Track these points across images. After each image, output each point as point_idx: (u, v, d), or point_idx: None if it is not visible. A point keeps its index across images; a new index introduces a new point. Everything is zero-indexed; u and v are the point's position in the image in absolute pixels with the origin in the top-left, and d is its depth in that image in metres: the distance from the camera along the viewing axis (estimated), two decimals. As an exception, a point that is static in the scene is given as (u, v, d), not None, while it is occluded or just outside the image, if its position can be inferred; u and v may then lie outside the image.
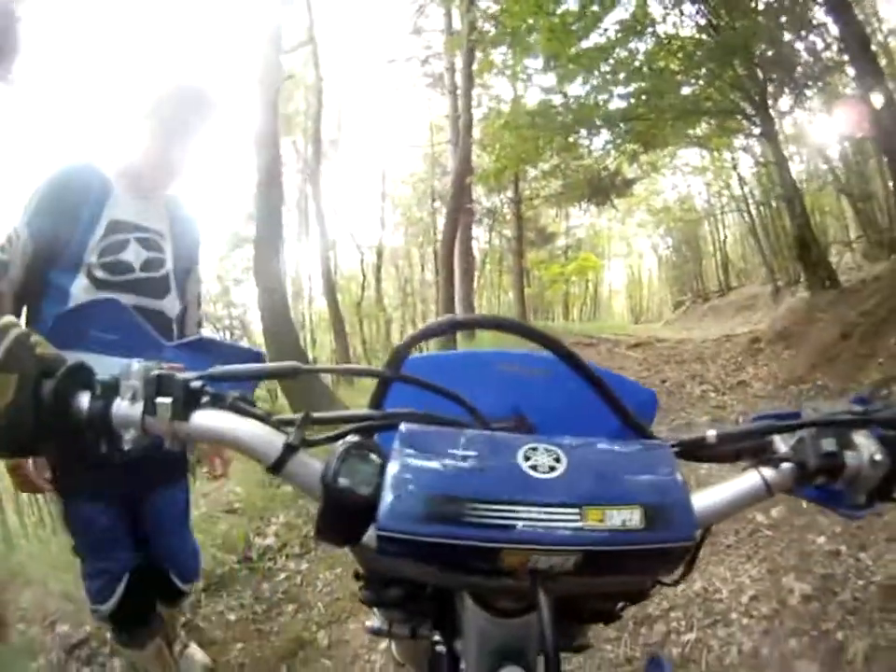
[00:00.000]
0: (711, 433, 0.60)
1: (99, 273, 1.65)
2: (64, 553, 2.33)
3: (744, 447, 0.62)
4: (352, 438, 0.53)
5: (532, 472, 0.49)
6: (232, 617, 2.92)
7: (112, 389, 0.55)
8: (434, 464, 0.49)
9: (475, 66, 11.29)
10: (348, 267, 24.47)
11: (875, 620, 2.10)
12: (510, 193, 17.02)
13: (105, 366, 0.57)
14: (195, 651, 2.45)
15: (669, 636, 2.36)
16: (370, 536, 0.49)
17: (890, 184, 7.45)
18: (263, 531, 3.59)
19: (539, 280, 20.68)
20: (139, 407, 0.54)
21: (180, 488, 1.98)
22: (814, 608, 2.26)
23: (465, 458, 0.50)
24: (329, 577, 3.15)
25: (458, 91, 12.23)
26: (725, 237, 21.09)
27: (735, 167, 16.47)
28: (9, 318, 0.55)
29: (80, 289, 1.62)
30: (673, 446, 0.59)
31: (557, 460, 0.50)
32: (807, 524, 2.75)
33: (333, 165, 21.75)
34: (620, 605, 0.69)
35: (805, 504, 2.52)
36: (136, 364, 0.55)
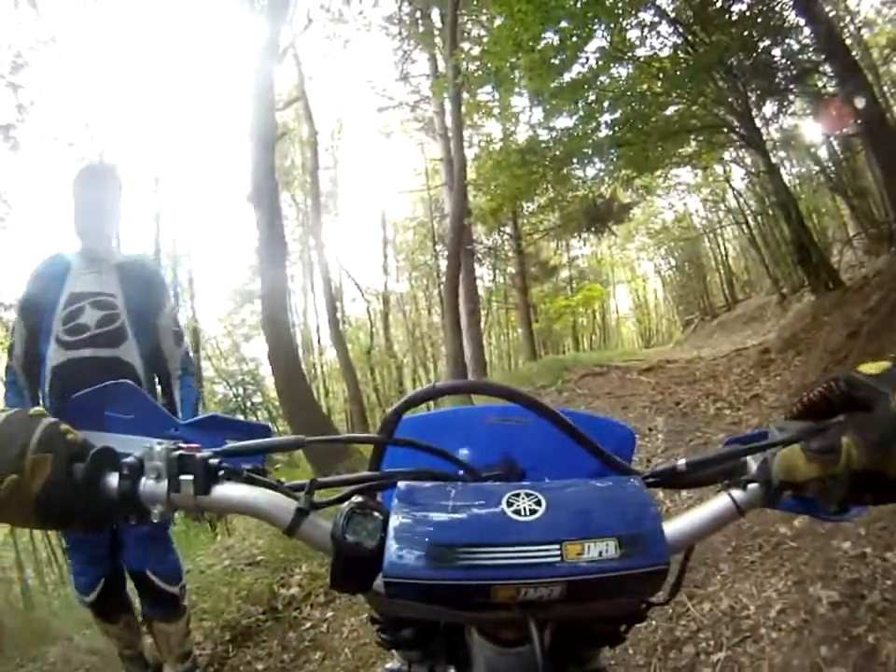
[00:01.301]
0: (681, 462, 0.65)
1: (64, 337, 2.19)
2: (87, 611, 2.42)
3: (716, 471, 0.65)
4: (356, 498, 0.59)
5: (515, 517, 0.54)
6: (260, 666, 2.93)
7: (138, 470, 0.59)
8: (429, 516, 0.56)
9: (463, 108, 11.48)
10: (356, 316, 24.64)
11: (906, 619, 2.05)
12: (509, 230, 17.17)
13: (124, 444, 0.62)
14: None
15: (699, 657, 2.32)
16: (378, 583, 0.54)
17: (882, 176, 7.43)
18: (287, 581, 3.57)
19: (545, 314, 20.71)
20: (164, 485, 0.59)
21: None
22: (843, 614, 2.22)
23: (455, 509, 0.56)
24: (354, 623, 3.13)
25: (449, 134, 12.41)
26: (726, 251, 21.14)
27: (727, 180, 16.56)
28: (39, 409, 0.60)
29: (51, 352, 2.19)
30: (646, 478, 0.64)
31: (538, 503, 0.56)
32: (831, 530, 2.69)
33: (333, 216, 22.10)
34: (622, 627, 0.72)
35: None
36: (158, 446, 0.60)
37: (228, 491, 0.60)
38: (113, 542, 2.25)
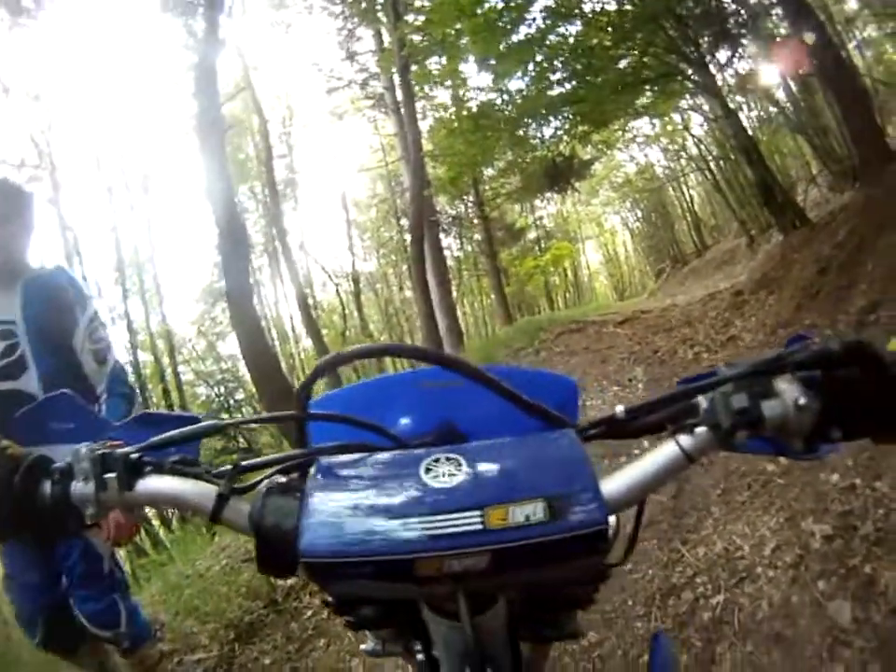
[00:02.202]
0: (620, 409, 0.60)
1: None
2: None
3: (662, 417, 0.60)
4: (274, 479, 0.58)
5: (433, 483, 0.52)
6: (267, 661, 2.92)
7: (68, 474, 0.61)
8: (345, 491, 0.53)
9: (412, 80, 11.32)
10: (328, 300, 24.48)
11: (901, 547, 2.06)
12: (472, 198, 17.08)
13: (64, 454, 0.63)
14: None
15: (698, 601, 2.34)
16: None
17: (840, 114, 7.48)
18: (285, 574, 3.55)
19: (516, 276, 20.72)
20: (92, 485, 0.60)
21: (71, 545, 2.13)
22: (837, 546, 2.23)
23: (372, 481, 0.54)
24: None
25: (401, 108, 12.25)
26: (692, 198, 21.28)
27: (686, 128, 16.64)
28: None
29: None
30: (582, 430, 0.60)
31: (458, 467, 0.53)
32: (819, 464, 2.69)
33: (293, 203, 21.84)
34: (589, 589, 0.70)
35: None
36: (84, 448, 0.61)
37: (151, 484, 0.61)
38: (52, 573, 2.16)
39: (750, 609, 2.19)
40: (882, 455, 2.52)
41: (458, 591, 0.51)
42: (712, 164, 16.29)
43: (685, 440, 0.56)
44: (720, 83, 9.20)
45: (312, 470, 0.57)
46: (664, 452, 0.56)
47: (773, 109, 13.10)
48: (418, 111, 12.58)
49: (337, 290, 21.83)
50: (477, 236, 19.48)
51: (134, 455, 0.61)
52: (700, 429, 0.55)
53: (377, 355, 0.66)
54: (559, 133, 10.47)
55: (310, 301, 17.74)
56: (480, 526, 0.48)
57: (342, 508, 0.51)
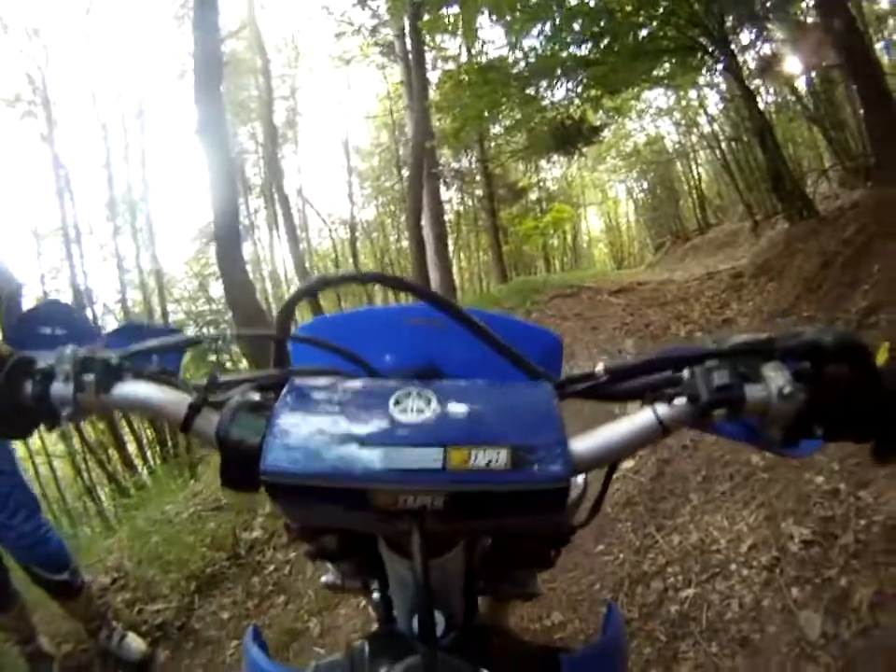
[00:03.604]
0: (600, 367, 0.59)
1: None
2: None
3: (641, 384, 0.58)
4: (247, 395, 0.57)
5: (400, 416, 0.52)
6: (226, 615, 2.92)
7: (49, 375, 0.61)
8: (313, 413, 0.54)
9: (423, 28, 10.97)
10: (323, 246, 24.24)
11: (879, 563, 2.00)
12: (476, 153, 16.80)
13: (51, 358, 0.63)
14: (132, 640, 2.65)
15: (667, 593, 2.29)
16: None
17: (861, 110, 7.33)
18: (250, 524, 3.51)
19: (516, 236, 20.50)
20: (71, 386, 0.60)
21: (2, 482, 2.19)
22: (815, 553, 2.17)
23: (341, 406, 0.54)
24: (317, 563, 3.09)
25: (409, 56, 11.90)
26: (699, 176, 20.99)
27: (702, 105, 16.37)
28: None
29: None
30: (560, 385, 0.59)
31: (428, 403, 0.53)
32: (805, 462, 2.62)
33: (293, 146, 21.42)
34: (551, 551, 0.71)
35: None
36: (68, 350, 0.62)
37: (128, 389, 0.61)
38: None
39: (720, 607, 2.14)
40: (870, 461, 2.45)
41: (413, 528, 0.50)
42: (723, 144, 16.04)
43: (662, 409, 0.54)
44: (740, 63, 8.90)
45: (284, 390, 0.57)
46: (639, 418, 0.55)
47: (791, 97, 12.79)
48: (427, 62, 12.23)
49: (330, 235, 21.59)
50: (479, 192, 19.24)
51: (115, 361, 0.62)
52: (679, 400, 0.54)
53: (364, 281, 0.64)
54: (570, 95, 10.23)
55: (303, 247, 17.51)
56: (439, 465, 0.48)
57: (307, 430, 0.52)
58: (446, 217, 14.80)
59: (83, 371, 0.61)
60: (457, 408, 0.53)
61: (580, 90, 9.91)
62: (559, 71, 9.03)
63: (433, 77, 12.95)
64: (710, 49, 8.12)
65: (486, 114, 10.15)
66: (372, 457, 0.48)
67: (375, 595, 0.79)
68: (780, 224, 9.68)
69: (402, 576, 0.63)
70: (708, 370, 0.52)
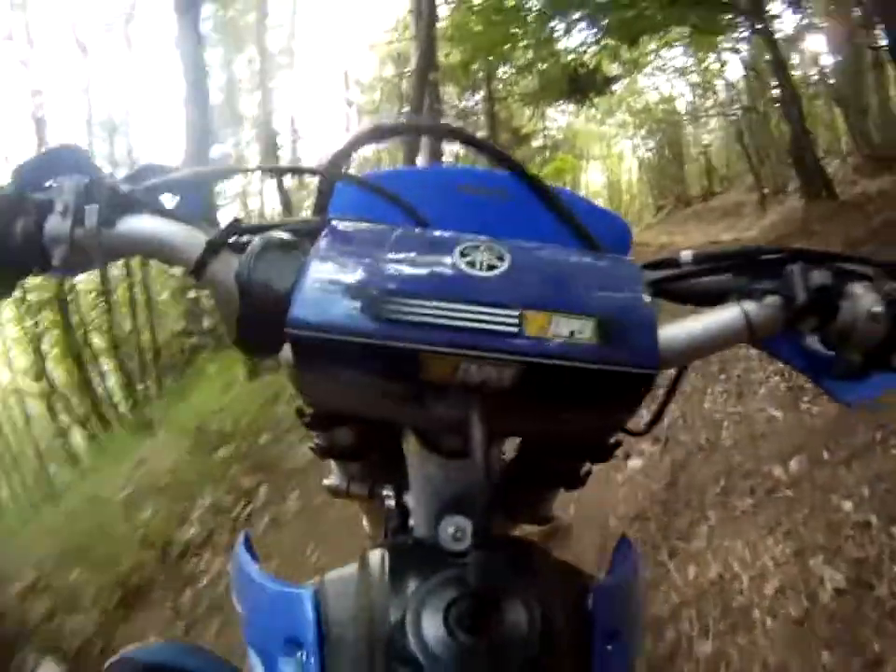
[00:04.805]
0: (686, 254, 0.52)
1: None
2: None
3: (727, 283, 0.51)
4: (276, 234, 0.48)
5: (467, 269, 0.43)
6: (151, 639, 2.53)
7: (46, 208, 0.50)
8: (355, 258, 0.45)
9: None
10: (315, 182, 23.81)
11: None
12: (483, 92, 16.18)
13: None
14: (49, 668, 2.48)
15: (680, 644, 1.96)
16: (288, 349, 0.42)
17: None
18: (187, 517, 3.11)
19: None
20: (69, 220, 0.49)
21: None
22: (848, 606, 1.85)
23: (392, 252, 0.45)
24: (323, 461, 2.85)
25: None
26: (709, 142, 20.69)
27: (722, 69, 16.20)
28: None
29: None
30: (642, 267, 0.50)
31: (500, 259, 0.44)
32: (829, 480, 2.35)
33: (289, 72, 20.60)
34: (583, 468, 0.64)
35: (824, 454, 2.43)
36: (70, 179, 0.51)
37: (135, 223, 0.50)
38: None
39: (739, 666, 1.83)
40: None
41: (473, 409, 0.41)
42: (739, 113, 15.72)
43: (751, 307, 0.48)
44: (772, 31, 8.54)
45: (323, 233, 0.47)
46: (726, 314, 0.49)
47: (815, 75, 12.65)
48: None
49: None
50: (482, 133, 18.63)
51: (124, 189, 0.51)
52: (771, 299, 0.48)
53: (425, 133, 0.51)
54: (589, 40, 9.69)
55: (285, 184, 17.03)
56: (515, 329, 0.40)
57: (350, 277, 0.42)
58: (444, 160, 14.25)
59: (86, 203, 0.49)
60: (537, 268, 0.45)
61: (598, 37, 9.42)
62: (578, 14, 8.50)
63: (443, 10, 12.20)
64: (745, 9, 7.77)
65: (498, 49, 9.64)
66: (430, 314, 0.40)
67: (389, 503, 0.69)
68: (792, 201, 9.50)
69: (430, 476, 0.54)
70: (806, 269, 0.47)
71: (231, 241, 0.49)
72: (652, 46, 11.95)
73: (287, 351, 0.42)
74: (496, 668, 0.43)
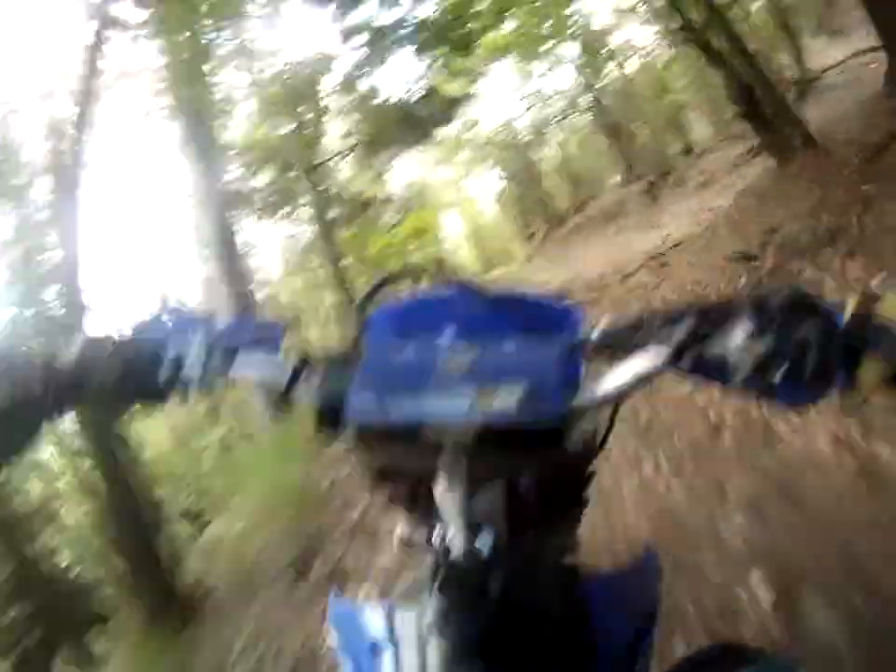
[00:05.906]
0: (605, 320, 0.69)
1: None
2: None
3: (631, 340, 0.64)
4: (335, 359, 0.73)
5: (444, 368, 0.64)
6: None
7: (180, 359, 0.72)
8: (381, 370, 0.67)
9: None
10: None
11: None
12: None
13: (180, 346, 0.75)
14: None
15: None
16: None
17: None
18: None
19: (365, 260, 17.55)
20: (201, 364, 0.72)
21: None
22: None
23: (403, 363, 0.67)
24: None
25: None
26: (563, 148, 20.38)
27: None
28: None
29: None
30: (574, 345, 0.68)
31: (466, 359, 0.64)
32: None
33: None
34: (577, 494, 0.76)
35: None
36: (198, 339, 0.73)
37: (243, 361, 0.72)
38: None
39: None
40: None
41: (458, 458, 0.63)
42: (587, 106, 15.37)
43: (649, 356, 0.61)
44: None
45: (360, 362, 0.69)
46: (629, 366, 0.62)
47: None
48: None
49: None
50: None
51: (232, 346, 0.72)
52: (658, 348, 0.61)
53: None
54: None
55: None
56: (467, 408, 0.60)
57: (379, 383, 0.65)
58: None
59: (208, 354, 0.71)
60: (490, 362, 0.64)
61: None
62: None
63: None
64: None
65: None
66: (421, 403, 0.61)
67: (436, 539, 0.73)
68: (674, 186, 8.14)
69: (461, 505, 0.66)
70: (677, 323, 0.60)
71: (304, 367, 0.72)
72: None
73: (349, 431, 0.66)
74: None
